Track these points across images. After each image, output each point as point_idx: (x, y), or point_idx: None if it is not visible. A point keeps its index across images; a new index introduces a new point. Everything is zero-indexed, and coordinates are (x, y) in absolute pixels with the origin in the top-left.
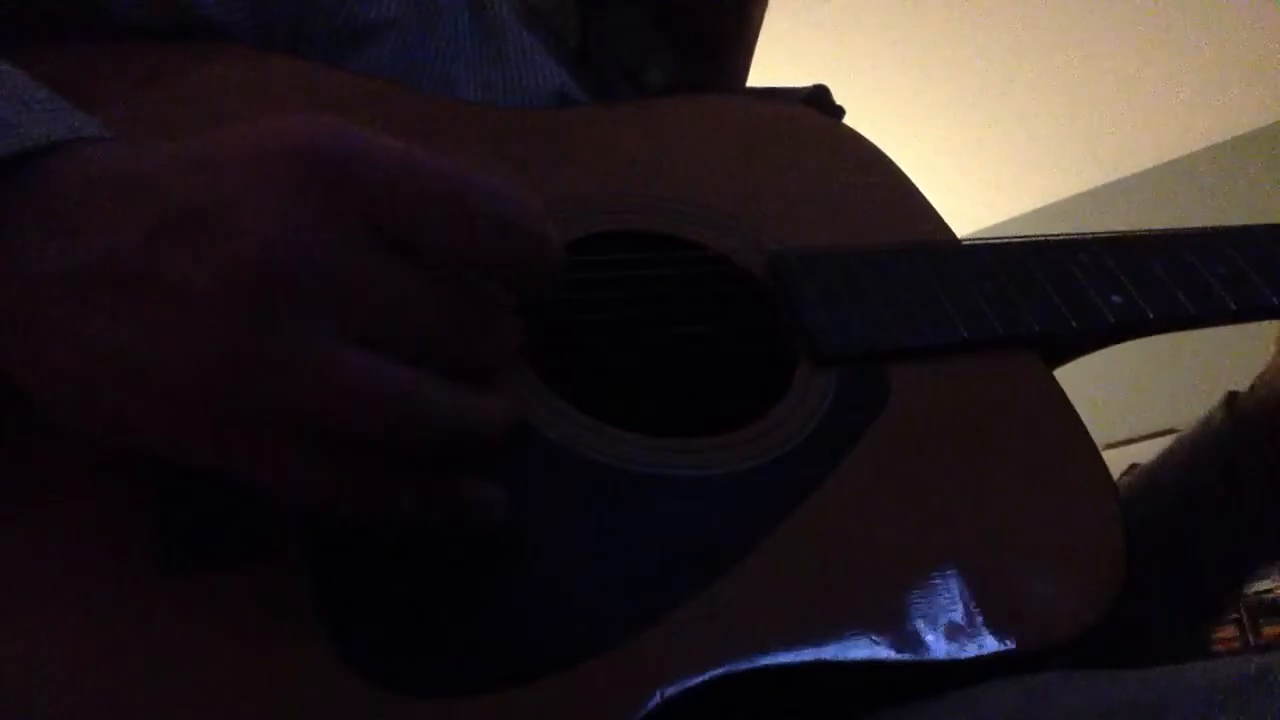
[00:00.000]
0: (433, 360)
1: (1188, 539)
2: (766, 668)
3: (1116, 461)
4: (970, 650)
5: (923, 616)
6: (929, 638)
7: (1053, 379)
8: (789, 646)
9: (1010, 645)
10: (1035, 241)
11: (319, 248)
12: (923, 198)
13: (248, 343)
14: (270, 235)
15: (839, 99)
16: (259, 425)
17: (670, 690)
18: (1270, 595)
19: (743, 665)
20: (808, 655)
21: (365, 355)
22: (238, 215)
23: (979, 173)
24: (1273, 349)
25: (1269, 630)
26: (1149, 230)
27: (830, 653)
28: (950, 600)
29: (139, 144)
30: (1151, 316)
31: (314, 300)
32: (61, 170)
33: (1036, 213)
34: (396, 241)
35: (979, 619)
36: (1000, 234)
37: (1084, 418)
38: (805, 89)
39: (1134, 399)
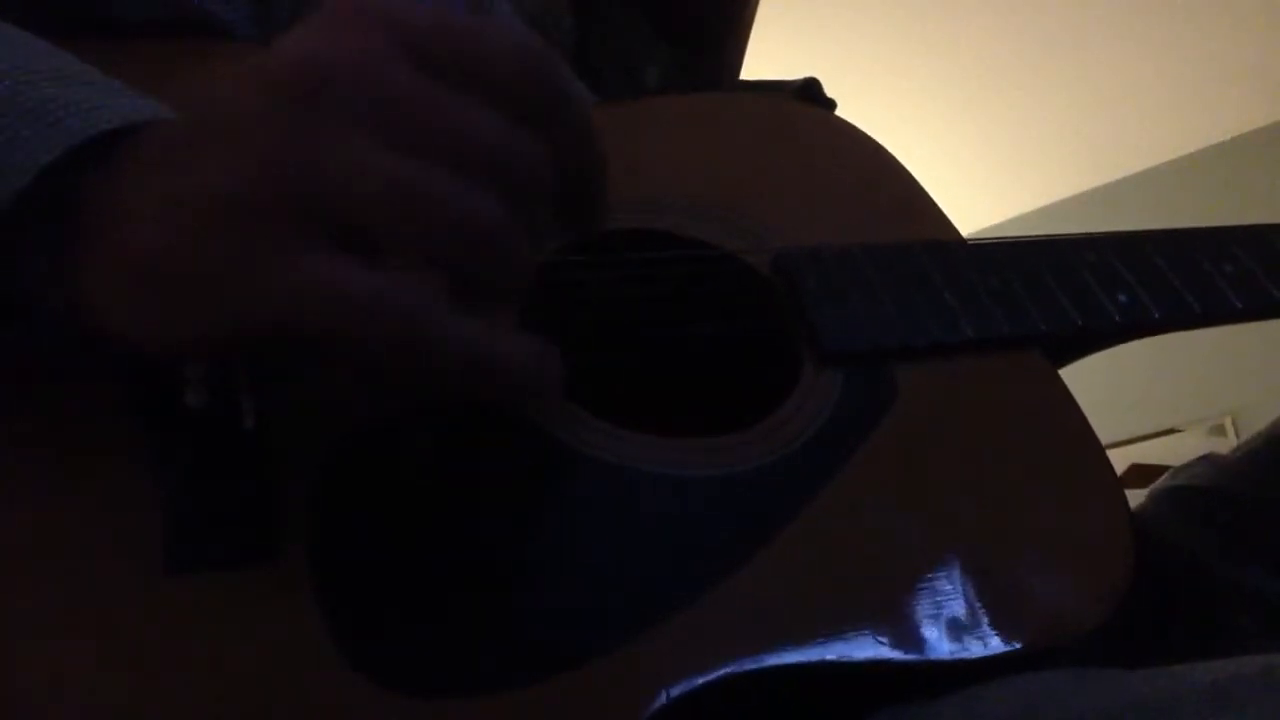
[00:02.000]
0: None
1: None
2: (772, 668)
3: (1116, 461)
4: (976, 649)
5: (929, 616)
6: (935, 637)
7: (1058, 378)
8: (794, 647)
9: (1016, 644)
10: (1041, 240)
11: (357, 61)
12: (924, 192)
13: (291, 148)
14: (309, 51)
15: (838, 98)
16: (308, 227)
17: (675, 690)
18: None
19: (748, 665)
20: (813, 655)
21: (410, 160)
22: (280, 51)
23: (979, 173)
24: None
25: None
26: (1156, 229)
27: (836, 653)
28: (956, 599)
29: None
30: (1158, 316)
31: (355, 105)
32: (153, 132)
33: (1037, 213)
34: (438, 70)
35: (985, 618)
36: (1001, 234)
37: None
38: (797, 82)
39: (1134, 399)
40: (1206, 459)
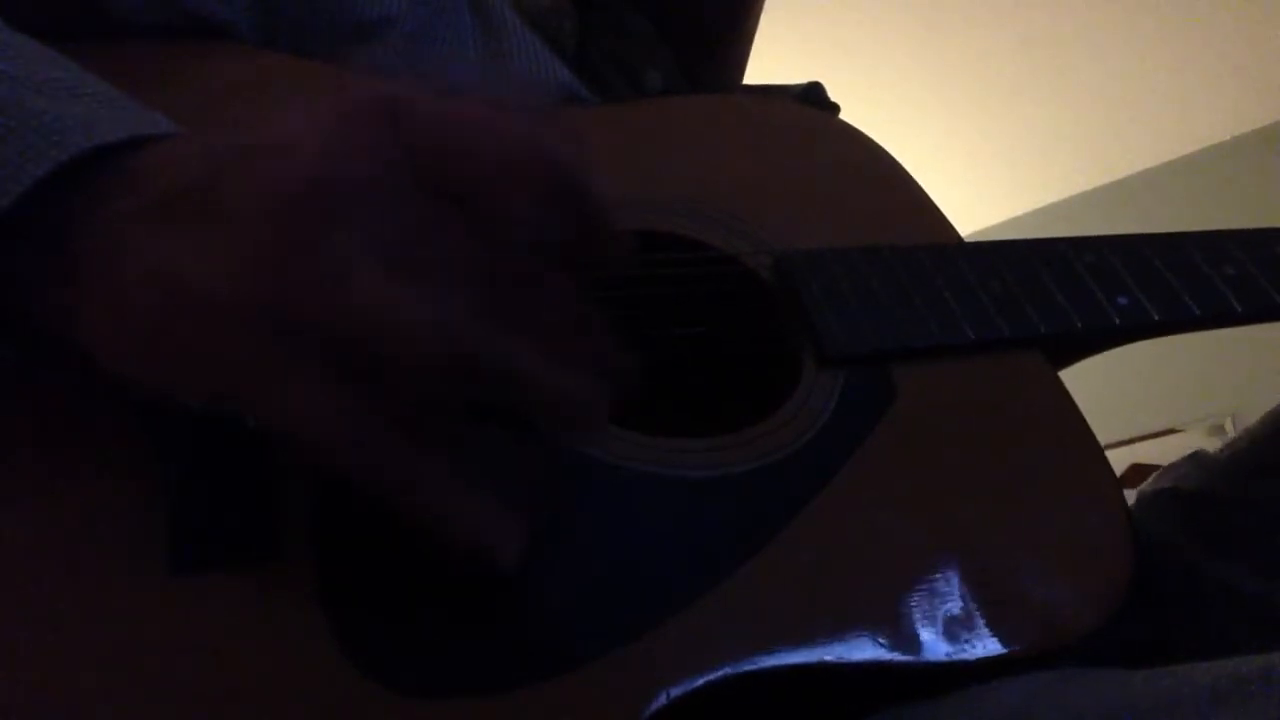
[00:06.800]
0: (480, 307)
1: None
2: (771, 669)
3: (1116, 461)
4: (973, 651)
5: (926, 618)
6: (932, 639)
7: (1058, 380)
8: (794, 647)
9: (1014, 646)
10: (1041, 242)
11: (365, 171)
12: (925, 195)
13: (288, 252)
14: (316, 157)
15: (839, 98)
16: (290, 345)
17: (676, 691)
18: None
19: (748, 666)
20: (812, 656)
21: (406, 282)
22: (290, 147)
23: (979, 173)
24: None
25: None
26: (1155, 232)
27: (834, 654)
28: (954, 601)
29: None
30: (1157, 318)
31: (357, 218)
32: (150, 154)
33: (1037, 213)
34: (447, 188)
35: (983, 619)
36: (1001, 234)
37: (1084, 418)
38: (800, 85)
39: (1134, 399)
40: (1194, 458)
